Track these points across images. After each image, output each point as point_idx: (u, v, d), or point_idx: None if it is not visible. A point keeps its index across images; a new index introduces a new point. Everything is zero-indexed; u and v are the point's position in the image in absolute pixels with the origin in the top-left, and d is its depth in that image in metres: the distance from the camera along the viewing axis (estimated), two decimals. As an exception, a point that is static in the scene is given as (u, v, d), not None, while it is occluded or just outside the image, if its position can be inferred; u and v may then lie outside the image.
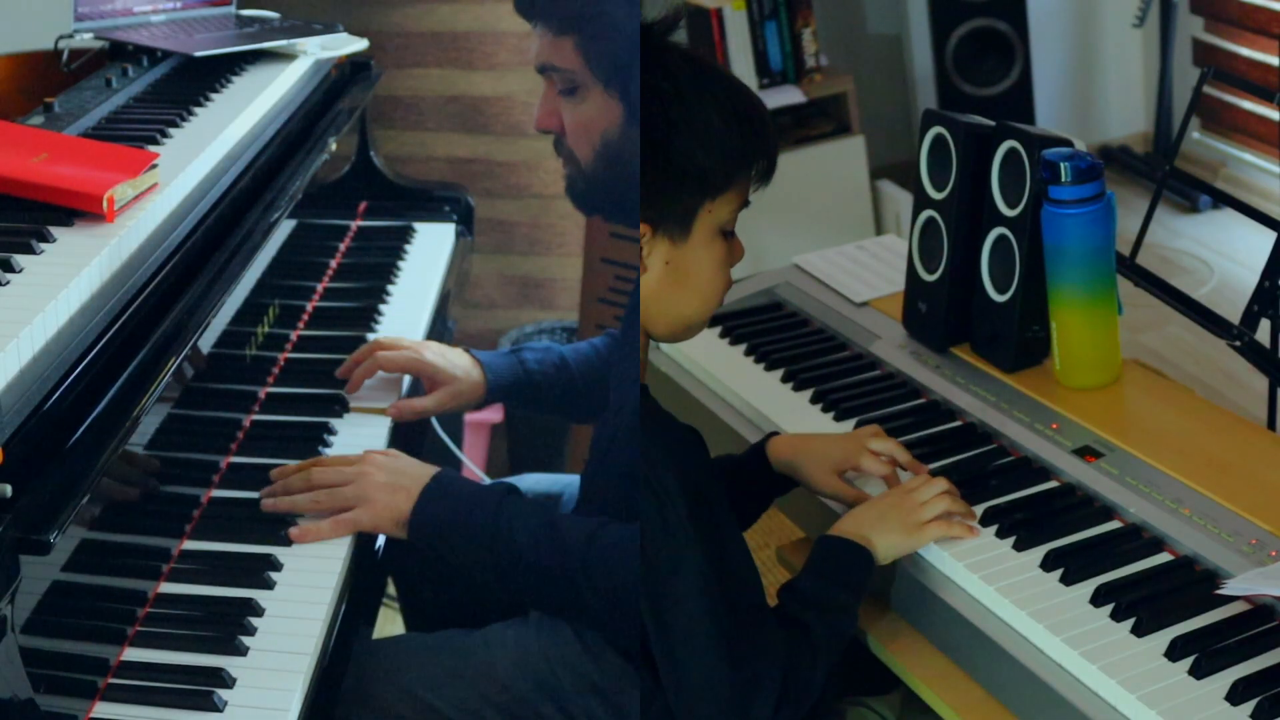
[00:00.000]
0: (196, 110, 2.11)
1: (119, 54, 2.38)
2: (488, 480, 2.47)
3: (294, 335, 2.23)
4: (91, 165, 1.71)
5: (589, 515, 1.83)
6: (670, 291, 1.52)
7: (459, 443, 3.01)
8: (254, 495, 1.80)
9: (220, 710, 1.46)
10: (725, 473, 1.70)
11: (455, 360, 2.11)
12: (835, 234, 3.85)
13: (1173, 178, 2.04)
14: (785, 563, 1.86)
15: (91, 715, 1.44)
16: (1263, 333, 1.88)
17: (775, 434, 1.82)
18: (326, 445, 1.97)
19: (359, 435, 2.01)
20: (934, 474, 1.69)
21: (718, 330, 2.17)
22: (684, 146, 1.46)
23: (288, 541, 1.73)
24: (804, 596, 1.55)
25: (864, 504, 1.65)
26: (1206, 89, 2.03)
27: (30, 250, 1.55)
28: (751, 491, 1.79)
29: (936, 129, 1.95)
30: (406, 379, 2.15)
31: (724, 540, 1.49)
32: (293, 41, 2.49)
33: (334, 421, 2.02)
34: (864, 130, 4.18)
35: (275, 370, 2.12)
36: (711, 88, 1.49)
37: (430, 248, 2.63)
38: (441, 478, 1.76)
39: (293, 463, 1.84)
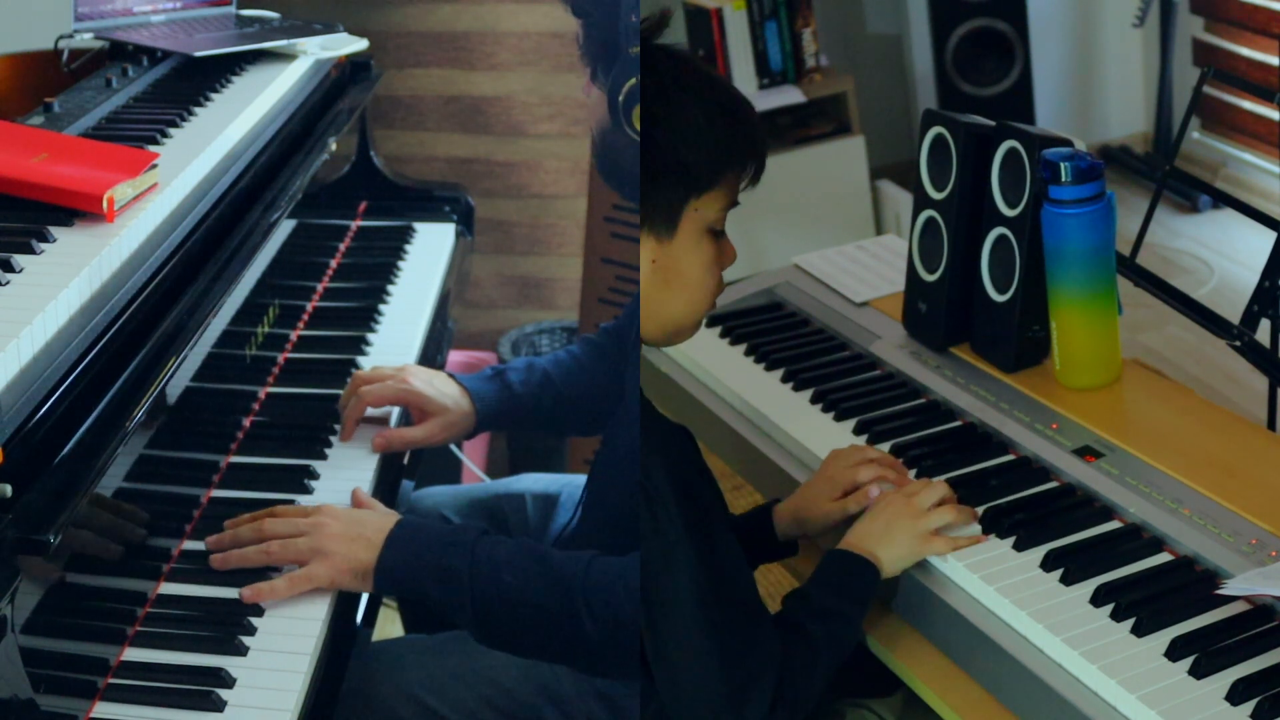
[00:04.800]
0: (196, 110, 2.11)
1: (119, 54, 2.38)
2: (488, 480, 2.46)
3: (294, 335, 2.23)
4: (91, 165, 1.71)
5: (593, 523, 1.82)
6: (658, 291, 1.50)
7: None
8: (255, 495, 1.80)
9: (220, 710, 1.46)
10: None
11: (444, 389, 1.99)
12: (835, 234, 3.85)
13: (1173, 178, 2.04)
14: (794, 572, 1.86)
15: (91, 715, 1.44)
16: (1263, 333, 1.88)
17: (776, 501, 1.78)
18: (327, 445, 1.96)
19: (359, 435, 2.00)
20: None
21: (718, 330, 2.16)
22: (666, 141, 1.46)
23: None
24: (806, 603, 1.55)
25: (868, 515, 1.64)
26: (1206, 89, 2.03)
27: (30, 250, 1.55)
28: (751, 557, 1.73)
29: (936, 129, 1.95)
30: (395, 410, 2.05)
31: (716, 540, 1.49)
32: (293, 41, 2.49)
33: (334, 422, 2.02)
34: (864, 130, 4.18)
35: (275, 370, 2.12)
36: (696, 85, 1.48)
37: (430, 248, 2.63)
38: (406, 524, 1.66)
39: (281, 460, 1.83)
